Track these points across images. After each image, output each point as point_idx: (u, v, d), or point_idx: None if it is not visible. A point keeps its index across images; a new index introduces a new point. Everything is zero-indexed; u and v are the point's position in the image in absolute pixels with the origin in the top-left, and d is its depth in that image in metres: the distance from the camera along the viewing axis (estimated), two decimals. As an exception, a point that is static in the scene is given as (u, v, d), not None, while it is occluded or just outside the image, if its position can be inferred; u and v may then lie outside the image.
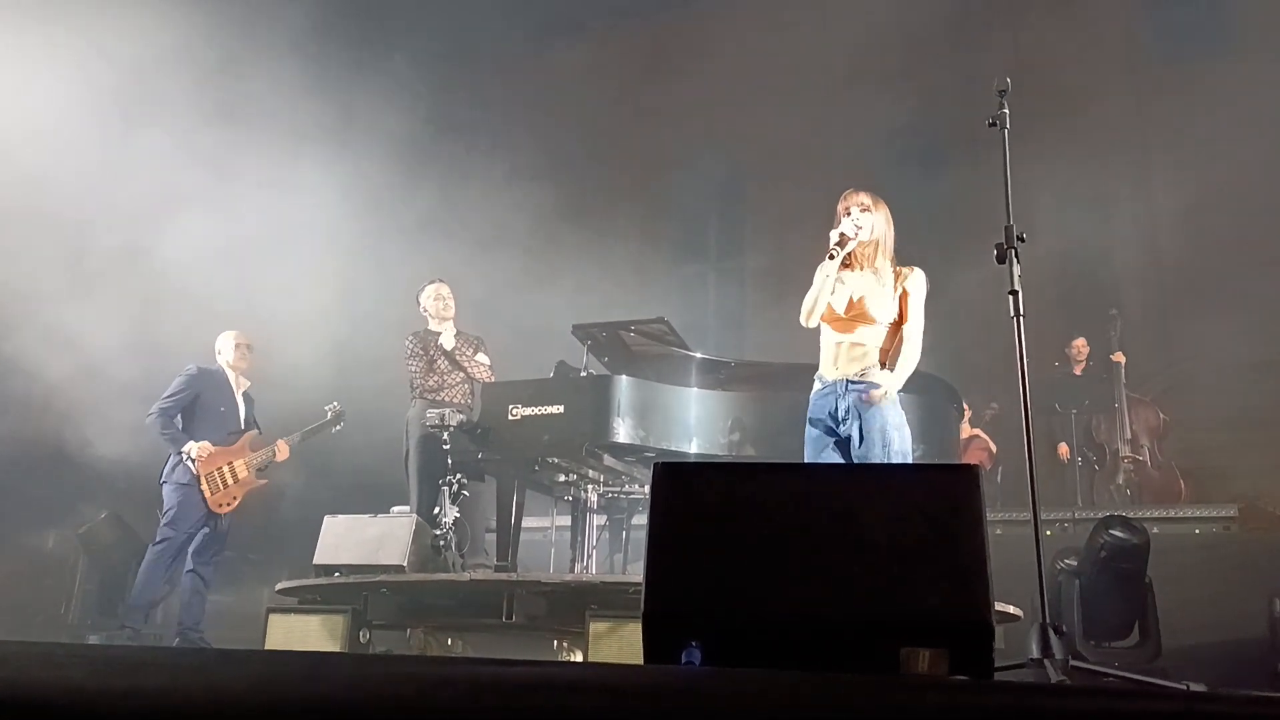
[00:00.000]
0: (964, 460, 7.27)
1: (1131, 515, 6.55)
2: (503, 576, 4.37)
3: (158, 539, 5.62)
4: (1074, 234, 8.80)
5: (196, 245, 6.46)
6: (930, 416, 5.11)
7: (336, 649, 4.36)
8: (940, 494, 1.84)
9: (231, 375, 5.98)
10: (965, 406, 7.72)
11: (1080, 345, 7.95)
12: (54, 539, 7.78)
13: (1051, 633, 2.37)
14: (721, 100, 8.91)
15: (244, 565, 7.49)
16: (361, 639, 4.44)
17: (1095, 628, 5.38)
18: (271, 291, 6.69)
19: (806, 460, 3.79)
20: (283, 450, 5.94)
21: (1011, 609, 4.61)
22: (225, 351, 5.99)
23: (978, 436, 7.95)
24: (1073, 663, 2.39)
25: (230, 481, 5.74)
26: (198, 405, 5.79)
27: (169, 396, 5.75)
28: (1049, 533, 6.66)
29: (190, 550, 5.64)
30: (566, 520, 6.17)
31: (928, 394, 5.17)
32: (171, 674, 1.68)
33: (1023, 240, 2.73)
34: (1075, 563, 5.64)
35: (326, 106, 6.96)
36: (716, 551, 1.83)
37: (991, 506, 7.55)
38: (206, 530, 5.68)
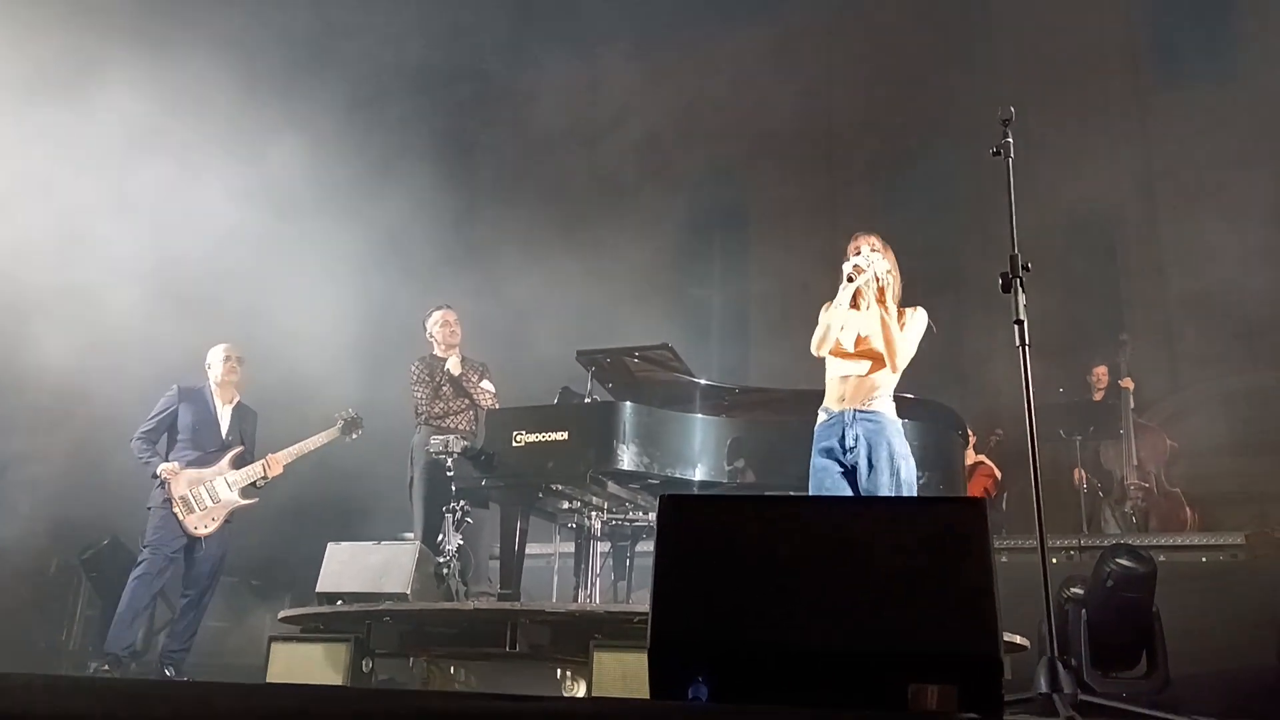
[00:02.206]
0: (969, 487, 7.24)
1: (1138, 543, 6.53)
2: (506, 606, 4.35)
3: (136, 565, 5.50)
4: (1080, 259, 8.84)
5: (207, 259, 6.45)
6: (935, 444, 5.09)
7: (339, 678, 4.32)
8: (947, 527, 1.83)
9: (216, 390, 5.83)
10: (970, 433, 7.72)
11: (1101, 373, 7.93)
12: (55, 565, 7.76)
13: (1060, 666, 2.35)
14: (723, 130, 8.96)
15: (245, 590, 7.47)
16: (364, 668, 4.40)
17: (1102, 657, 5.32)
18: (282, 301, 6.66)
19: (812, 490, 3.80)
20: (274, 466, 5.72)
21: (1018, 639, 4.58)
22: (214, 366, 5.85)
23: (983, 463, 7.92)
24: (1081, 696, 2.36)
25: (209, 502, 5.58)
26: (177, 425, 5.68)
27: (150, 419, 5.66)
28: (1055, 560, 6.63)
29: (173, 576, 5.57)
30: (570, 547, 6.14)
31: (932, 421, 5.15)
32: (174, 706, 1.67)
33: (1028, 270, 2.73)
34: (1081, 591, 5.60)
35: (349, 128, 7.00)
36: (723, 584, 1.82)
37: (997, 534, 7.53)
38: (190, 554, 5.57)
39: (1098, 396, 7.87)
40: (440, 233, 7.53)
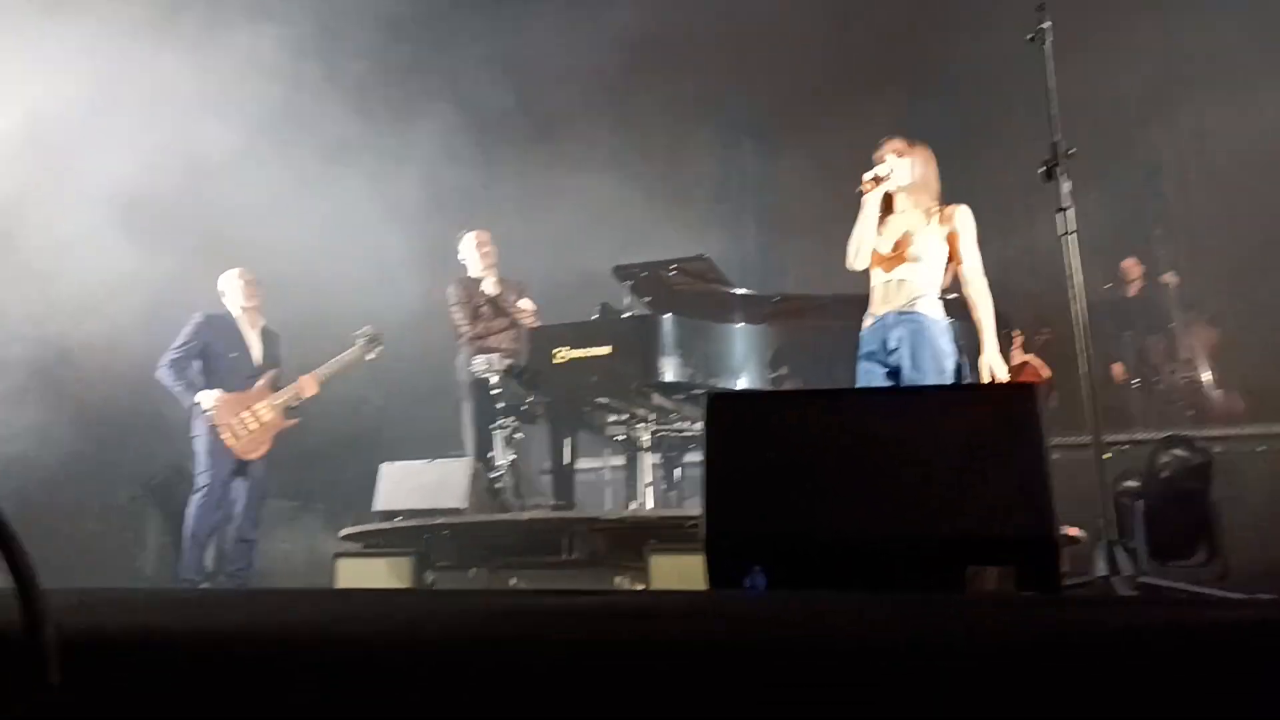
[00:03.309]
0: (1016, 386, 7.19)
1: (1192, 435, 6.47)
2: (561, 515, 4.43)
3: (195, 489, 5.63)
4: (1121, 150, 8.56)
5: (243, 196, 6.45)
6: (975, 345, 5.03)
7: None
8: (1000, 413, 1.82)
9: (242, 316, 5.88)
10: (1016, 332, 7.63)
11: (1130, 266, 7.77)
12: (126, 493, 8.01)
13: (1118, 549, 2.35)
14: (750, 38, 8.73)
15: (306, 513, 7.68)
16: (426, 580, 4.53)
17: (1161, 548, 5.33)
18: (313, 224, 6.67)
19: (859, 391, 3.80)
20: (308, 386, 5.81)
21: (1073, 531, 4.58)
22: (232, 292, 5.86)
23: (1029, 363, 7.83)
24: (1140, 578, 2.37)
25: (254, 426, 5.68)
26: (208, 354, 5.74)
27: (177, 347, 5.68)
28: (1108, 455, 6.57)
29: (231, 498, 5.72)
30: (620, 460, 6.21)
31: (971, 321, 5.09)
32: (247, 612, 1.73)
33: (1070, 155, 2.66)
34: (1137, 484, 5.59)
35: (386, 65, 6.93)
36: (775, 477, 1.84)
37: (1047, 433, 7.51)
38: (241, 478, 5.72)
39: (1131, 291, 7.74)
40: (471, 151, 7.47)
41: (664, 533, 4.15)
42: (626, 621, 1.40)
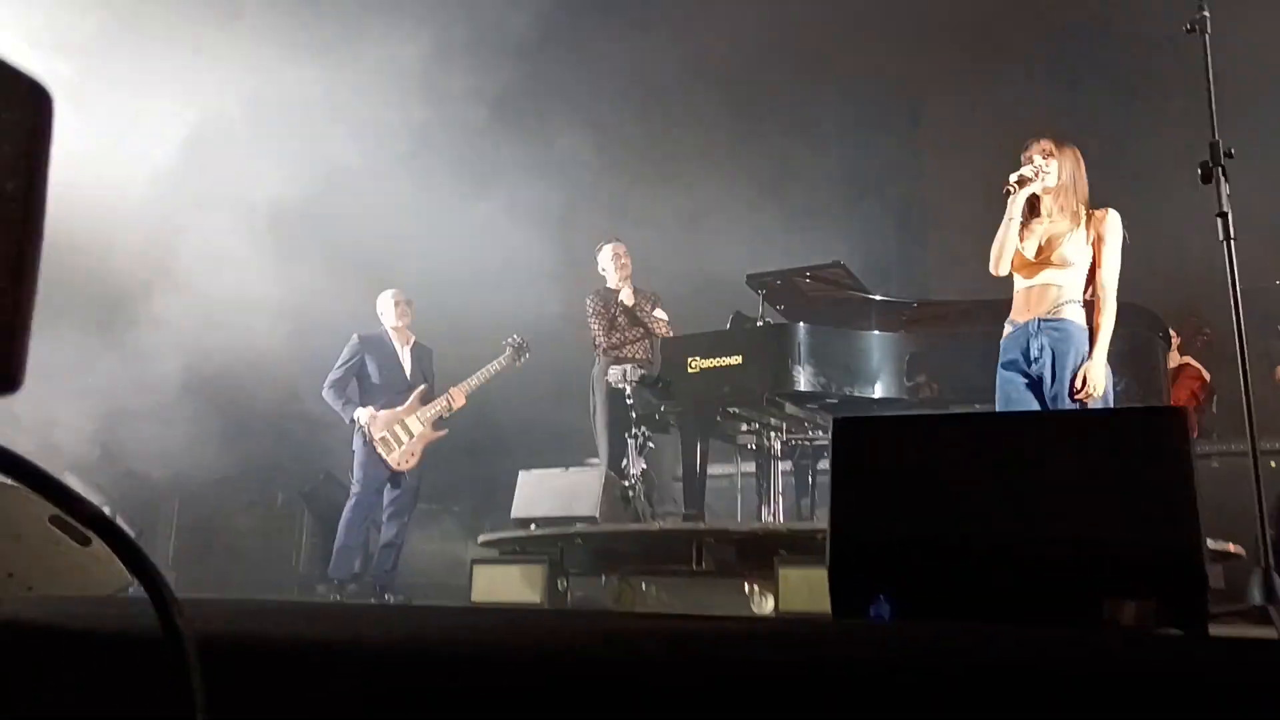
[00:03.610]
0: (1174, 391, 6.81)
1: (1370, 445, 6.00)
2: (691, 526, 4.46)
3: (350, 499, 6.02)
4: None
5: (371, 209, 6.75)
6: (1131, 348, 4.81)
7: (536, 596, 4.57)
8: (1143, 436, 1.74)
9: (394, 335, 6.21)
10: (1174, 334, 7.22)
11: None
12: (281, 497, 8.49)
13: (1276, 576, 2.21)
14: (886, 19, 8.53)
15: (448, 517, 7.96)
16: (559, 587, 4.63)
17: (1330, 568, 4.97)
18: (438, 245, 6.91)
19: (999, 404, 3.69)
20: (457, 398, 6.12)
21: (1232, 547, 4.33)
22: (386, 312, 6.22)
23: (1189, 365, 7.41)
24: (1301, 610, 2.22)
25: (406, 439, 6.02)
26: (364, 372, 6.11)
27: (338, 368, 6.09)
28: (1274, 464, 6.17)
29: (382, 507, 6.04)
30: (752, 467, 6.19)
31: (1128, 325, 4.83)
32: (385, 627, 1.82)
33: (1230, 156, 2.50)
34: (1306, 497, 5.22)
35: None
36: (901, 502, 1.81)
37: (1207, 439, 7.07)
38: (392, 489, 6.05)
39: None
40: (603, 162, 7.57)
41: (794, 544, 4.12)
42: (738, 646, 1.41)
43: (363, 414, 6.00)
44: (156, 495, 7.46)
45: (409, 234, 6.56)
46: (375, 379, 6.14)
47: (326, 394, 6.11)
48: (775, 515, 5.52)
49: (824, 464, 6.08)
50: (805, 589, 3.90)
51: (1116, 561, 1.66)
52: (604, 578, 4.84)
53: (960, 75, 8.52)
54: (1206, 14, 2.63)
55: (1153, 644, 1.33)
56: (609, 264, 6.16)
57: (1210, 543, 4.24)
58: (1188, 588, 1.62)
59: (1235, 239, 2.58)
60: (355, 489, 6.04)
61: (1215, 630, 1.74)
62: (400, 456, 6.01)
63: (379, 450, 5.97)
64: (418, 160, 6.63)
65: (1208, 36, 2.62)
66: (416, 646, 1.46)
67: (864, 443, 1.88)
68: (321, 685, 1.09)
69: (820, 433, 5.62)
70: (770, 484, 5.61)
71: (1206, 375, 7.38)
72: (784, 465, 5.87)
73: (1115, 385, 3.71)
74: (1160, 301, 7.12)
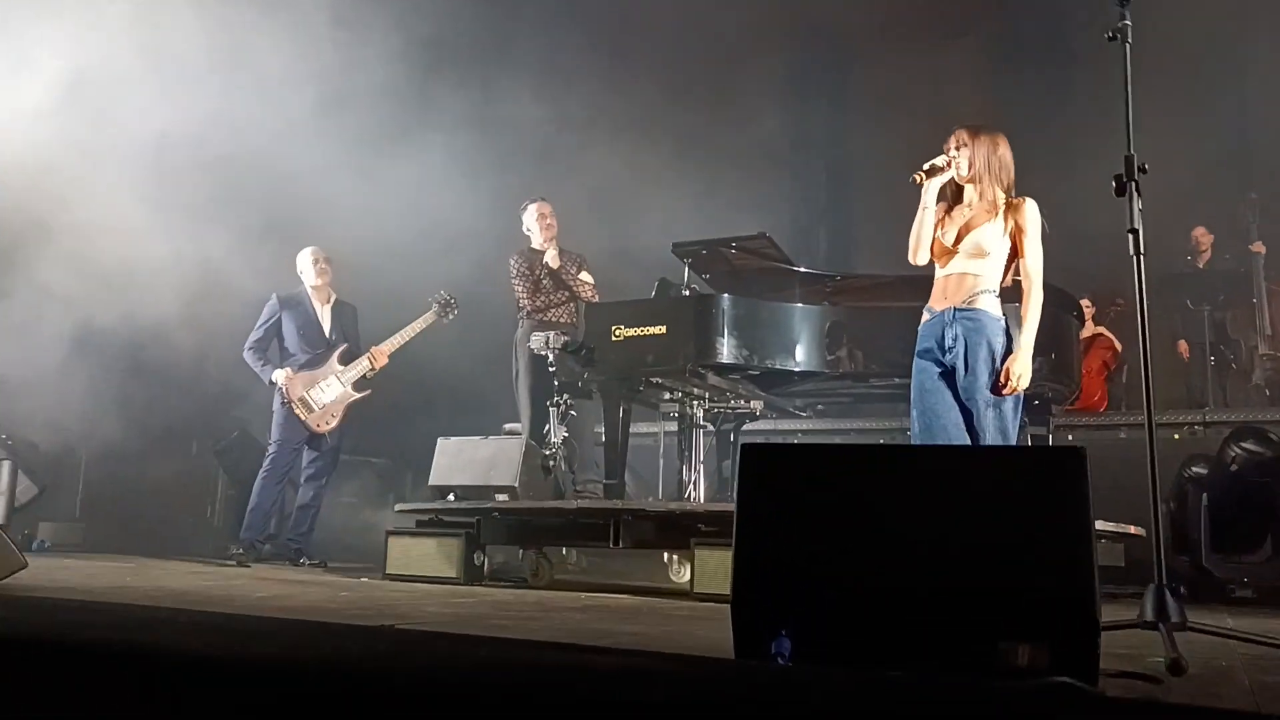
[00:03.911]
0: (1086, 361, 6.96)
1: (1264, 418, 6.23)
2: (609, 504, 4.45)
3: (265, 460, 5.93)
4: (1207, 109, 8.14)
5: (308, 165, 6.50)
6: (1046, 330, 4.88)
7: (452, 571, 4.55)
8: (1043, 476, 1.76)
9: (313, 294, 6.07)
10: (1088, 304, 7.39)
11: (1200, 235, 7.39)
12: (196, 446, 8.31)
13: (1169, 595, 2.27)
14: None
15: (369, 470, 7.88)
16: (475, 560, 4.61)
17: (1224, 540, 5.20)
18: (372, 196, 6.71)
19: (913, 390, 3.72)
20: (379, 358, 6.00)
21: (1133, 529, 4.48)
22: (305, 271, 6.08)
23: (1101, 335, 7.59)
24: (1190, 623, 2.29)
25: (326, 399, 5.91)
26: (281, 332, 5.99)
27: (257, 328, 5.98)
28: (1176, 436, 6.38)
29: (300, 468, 5.94)
30: (674, 426, 6.20)
31: (1045, 306, 4.93)
32: (280, 644, 1.78)
33: (1144, 171, 2.51)
34: (1204, 471, 5.42)
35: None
36: (805, 535, 1.80)
37: (1116, 408, 7.29)
38: (311, 450, 5.97)
39: (1201, 262, 7.37)
40: (528, 117, 7.40)
41: (711, 523, 4.15)
42: (630, 688, 1.41)
43: (279, 375, 5.88)
44: (62, 449, 7.23)
45: (333, 191, 6.33)
46: (293, 339, 6.00)
47: (247, 355, 5.97)
48: (695, 483, 5.54)
49: (745, 428, 6.13)
50: (721, 570, 3.93)
51: (1012, 604, 1.69)
52: (521, 552, 4.82)
53: (892, 42, 8.49)
54: (1128, 23, 2.61)
55: (1050, 702, 1.34)
56: (534, 224, 6.04)
57: (1111, 525, 4.39)
58: (1080, 633, 1.65)
59: (1145, 254, 2.60)
60: (271, 449, 5.94)
61: (1107, 639, 1.78)
62: (319, 418, 5.90)
63: (297, 412, 5.86)
64: (336, 114, 6.39)
65: (1128, 46, 2.61)
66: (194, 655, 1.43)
67: (770, 472, 1.87)
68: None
69: (742, 401, 5.65)
70: (692, 452, 5.62)
71: (1118, 345, 7.57)
72: (707, 428, 5.89)
73: (1032, 365, 3.75)
74: (1081, 269, 7.27)
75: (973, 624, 1.69)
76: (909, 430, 6.68)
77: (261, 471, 5.88)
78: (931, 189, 3.68)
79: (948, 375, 3.64)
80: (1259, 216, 7.25)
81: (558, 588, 4.59)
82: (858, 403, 6.46)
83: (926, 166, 3.66)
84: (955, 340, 3.62)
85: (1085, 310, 7.21)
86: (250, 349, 5.96)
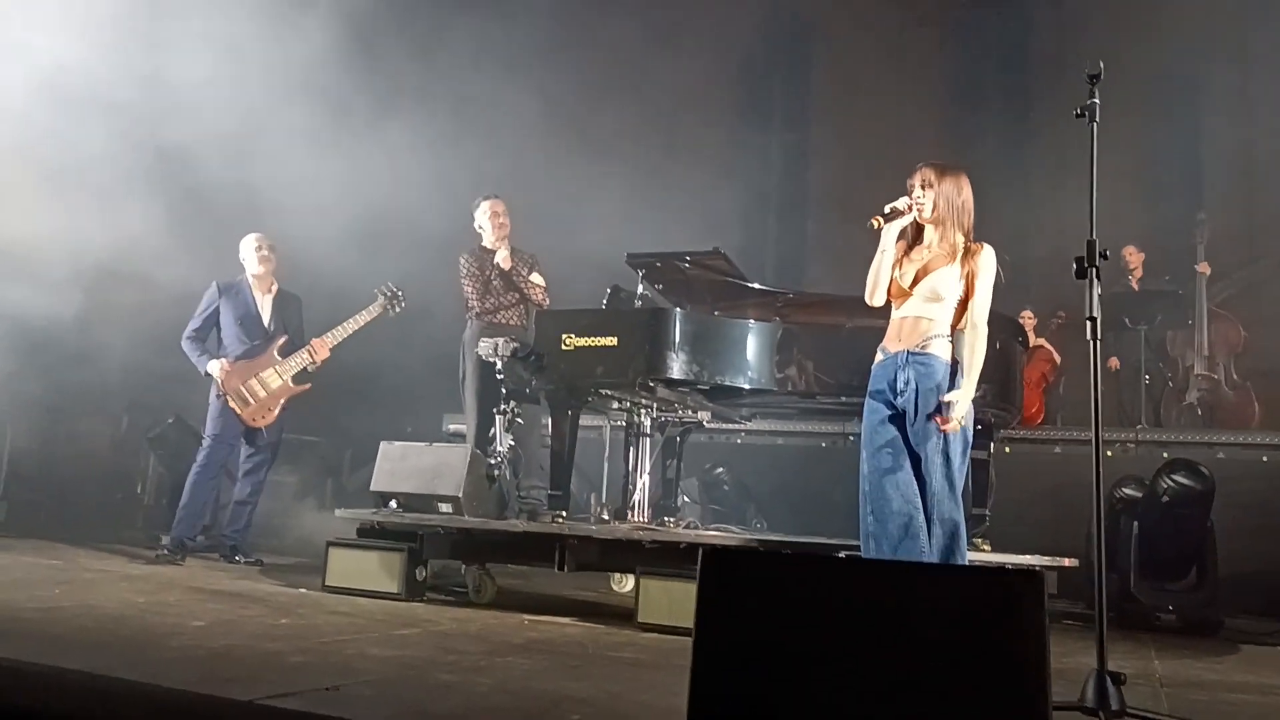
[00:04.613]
0: (1027, 371, 7.07)
1: (1198, 439, 6.41)
2: (554, 529, 4.41)
3: (199, 453, 5.74)
4: (1160, 125, 8.29)
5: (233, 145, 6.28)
6: (992, 358, 4.93)
7: (394, 586, 4.49)
8: (998, 601, 1.76)
9: (255, 283, 5.89)
10: (1030, 315, 7.50)
11: (1129, 254, 7.47)
12: (126, 422, 8.10)
13: (1109, 681, 2.31)
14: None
15: (312, 454, 7.75)
16: (418, 576, 4.55)
17: (1152, 568, 5.34)
18: (321, 186, 6.53)
19: (864, 430, 3.73)
20: (320, 350, 5.82)
21: (1066, 562, 4.55)
22: (248, 259, 5.89)
23: (1042, 347, 7.73)
24: (1129, 710, 2.34)
25: (263, 393, 5.73)
26: (220, 321, 5.80)
27: (196, 317, 5.80)
28: (1109, 454, 6.53)
29: (238, 463, 5.79)
30: (622, 420, 6.16)
31: (991, 334, 4.98)
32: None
33: (1105, 258, 2.52)
34: (1136, 494, 5.54)
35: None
36: (762, 651, 1.80)
37: (1052, 422, 7.43)
38: (248, 445, 5.81)
39: (1133, 282, 7.48)
40: (480, 111, 7.26)
41: (655, 554, 4.15)
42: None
43: (214, 366, 5.70)
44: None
45: (283, 177, 6.12)
46: (230, 329, 5.82)
47: (185, 345, 5.78)
48: (643, 491, 5.52)
49: (692, 439, 6.14)
50: (665, 601, 3.94)
51: (965, 730, 1.69)
52: (464, 567, 4.78)
53: (857, 49, 8.47)
54: (1096, 101, 2.60)
55: None
56: (486, 221, 5.93)
57: (1048, 560, 4.47)
58: (1030, 766, 1.66)
59: (1101, 340, 2.61)
60: (206, 443, 5.76)
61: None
62: (255, 411, 5.74)
63: (233, 405, 5.69)
64: (283, 96, 6.17)
65: (1095, 126, 2.60)
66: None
67: (730, 578, 1.85)
68: None
69: (690, 413, 5.66)
70: (639, 459, 5.60)
71: (1058, 358, 7.71)
72: (654, 438, 5.87)
73: (976, 392, 3.77)
74: (1021, 283, 7.36)
75: (925, 751, 1.70)
76: (850, 435, 6.83)
77: (195, 466, 5.69)
78: (891, 232, 3.66)
79: (898, 419, 3.65)
80: (1206, 237, 7.39)
81: (500, 605, 4.56)
82: (803, 414, 6.51)
83: (887, 209, 3.63)
84: (907, 384, 3.63)
85: (1027, 322, 7.33)
86: (189, 338, 5.78)
